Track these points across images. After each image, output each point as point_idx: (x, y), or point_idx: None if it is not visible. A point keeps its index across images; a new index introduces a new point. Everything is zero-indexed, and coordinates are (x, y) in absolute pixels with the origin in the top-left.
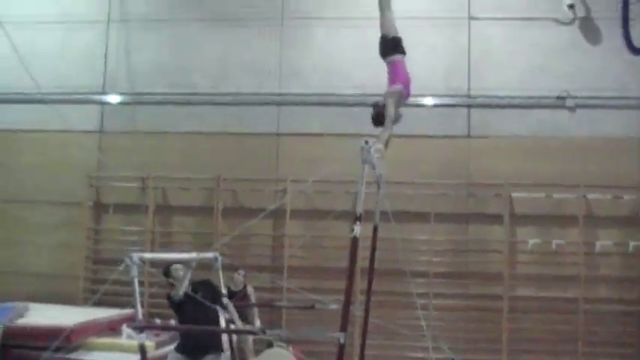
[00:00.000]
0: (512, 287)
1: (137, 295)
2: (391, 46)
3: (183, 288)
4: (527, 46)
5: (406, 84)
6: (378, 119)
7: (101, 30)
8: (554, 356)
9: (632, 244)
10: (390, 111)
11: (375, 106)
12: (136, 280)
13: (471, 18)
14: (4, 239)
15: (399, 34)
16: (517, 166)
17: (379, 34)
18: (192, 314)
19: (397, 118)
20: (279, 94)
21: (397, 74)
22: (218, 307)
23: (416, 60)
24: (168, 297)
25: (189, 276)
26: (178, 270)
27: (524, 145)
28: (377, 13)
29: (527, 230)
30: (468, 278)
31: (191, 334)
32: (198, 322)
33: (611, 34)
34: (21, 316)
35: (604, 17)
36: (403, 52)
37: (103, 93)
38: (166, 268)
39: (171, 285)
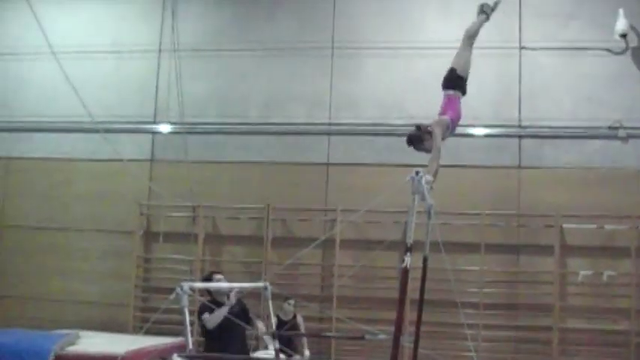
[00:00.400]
0: (563, 319)
1: (187, 323)
2: (454, 83)
3: (217, 319)
4: (579, 76)
5: (455, 120)
6: (413, 140)
7: (153, 59)
8: None
9: None
10: (438, 141)
11: (417, 127)
12: (186, 309)
13: (522, 48)
14: (56, 267)
15: (468, 73)
16: (568, 196)
17: (449, 64)
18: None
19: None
20: (330, 124)
21: (451, 107)
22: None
23: (467, 90)
24: (200, 313)
25: (230, 304)
26: (221, 280)
27: (576, 175)
28: (428, 44)
29: (578, 261)
30: (518, 309)
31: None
32: (226, 338)
33: None
34: (72, 344)
35: None
36: (463, 92)
37: (155, 122)
38: (209, 274)
39: (209, 294)
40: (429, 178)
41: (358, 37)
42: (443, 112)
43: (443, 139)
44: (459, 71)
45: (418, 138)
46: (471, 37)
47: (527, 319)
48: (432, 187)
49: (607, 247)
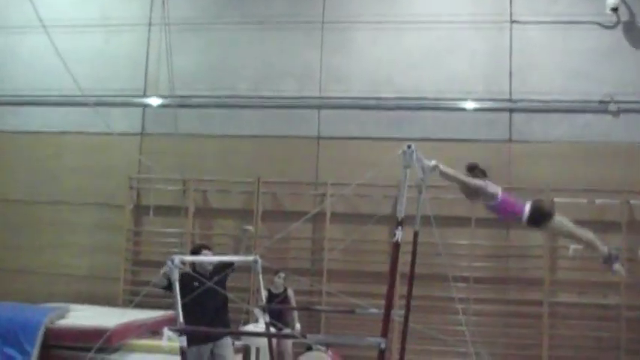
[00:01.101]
0: (553, 293)
1: (178, 297)
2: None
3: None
4: (570, 50)
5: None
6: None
7: (142, 33)
8: None
9: None
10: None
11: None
12: (177, 283)
13: (512, 21)
14: (46, 241)
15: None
16: (559, 171)
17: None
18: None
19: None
20: (320, 98)
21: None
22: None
23: (457, 63)
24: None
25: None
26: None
27: (566, 149)
28: (417, 18)
29: None
30: (508, 283)
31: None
32: (203, 301)
33: None
34: (62, 317)
35: None
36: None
37: (144, 96)
38: (198, 247)
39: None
40: (435, 162)
41: (348, 11)
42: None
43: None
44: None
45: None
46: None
47: (517, 293)
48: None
49: (597, 222)
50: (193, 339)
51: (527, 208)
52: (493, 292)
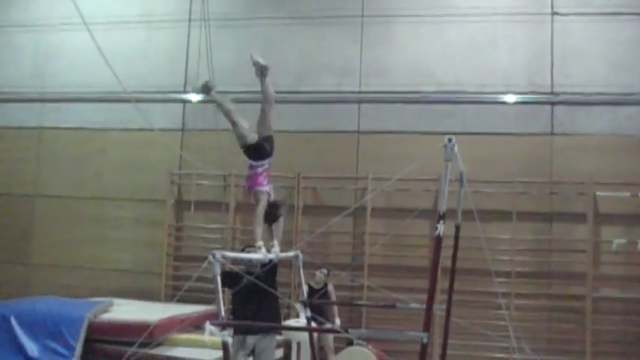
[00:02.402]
0: (596, 287)
1: (220, 292)
2: None
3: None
4: (612, 42)
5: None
6: None
7: (182, 29)
8: (638, 359)
9: None
10: None
11: None
12: (218, 278)
13: (554, 13)
14: (89, 236)
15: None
16: (601, 164)
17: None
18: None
19: None
20: (360, 92)
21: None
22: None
23: (498, 56)
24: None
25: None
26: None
27: (609, 142)
28: (458, 10)
29: (611, 229)
30: (550, 278)
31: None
32: (240, 302)
33: None
34: (105, 311)
35: None
36: None
37: (185, 92)
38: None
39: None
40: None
41: (388, 4)
42: None
43: None
44: None
45: None
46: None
47: (560, 288)
48: None
49: None
50: (239, 328)
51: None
52: (535, 286)
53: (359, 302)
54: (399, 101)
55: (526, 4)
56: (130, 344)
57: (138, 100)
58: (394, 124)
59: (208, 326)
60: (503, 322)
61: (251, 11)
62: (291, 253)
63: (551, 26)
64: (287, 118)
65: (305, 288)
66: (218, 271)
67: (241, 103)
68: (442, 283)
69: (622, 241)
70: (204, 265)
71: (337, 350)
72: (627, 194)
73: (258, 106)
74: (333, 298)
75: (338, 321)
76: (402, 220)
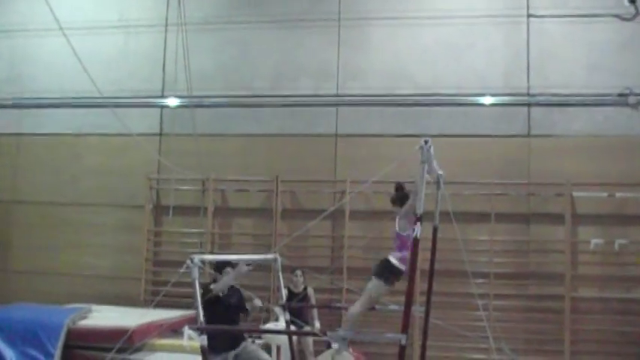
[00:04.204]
0: (574, 288)
1: (198, 296)
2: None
3: (224, 286)
4: (588, 43)
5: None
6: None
7: (160, 34)
8: (617, 358)
9: None
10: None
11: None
12: (197, 282)
13: (529, 15)
14: (67, 242)
15: None
16: (578, 164)
17: None
18: (218, 315)
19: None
20: (338, 95)
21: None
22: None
23: (475, 58)
24: (207, 289)
25: (232, 278)
26: (229, 273)
27: (586, 143)
28: (434, 13)
29: (589, 230)
30: (528, 279)
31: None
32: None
33: None
34: (84, 317)
35: None
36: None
37: (162, 96)
38: (221, 264)
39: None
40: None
41: (365, 7)
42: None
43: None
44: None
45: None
46: None
47: (538, 288)
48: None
49: (618, 215)
50: (217, 347)
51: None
52: (514, 287)
53: (338, 305)
54: (377, 104)
55: (502, 6)
56: (110, 350)
57: (115, 105)
58: (372, 126)
59: (187, 331)
60: (482, 323)
61: (228, 15)
62: (269, 256)
63: (527, 28)
64: (265, 121)
65: (284, 291)
66: (196, 275)
67: (220, 107)
68: (421, 285)
69: (600, 241)
70: (182, 269)
71: (317, 354)
72: (604, 195)
73: (235, 110)
74: (313, 301)
75: (318, 324)
76: (380, 223)
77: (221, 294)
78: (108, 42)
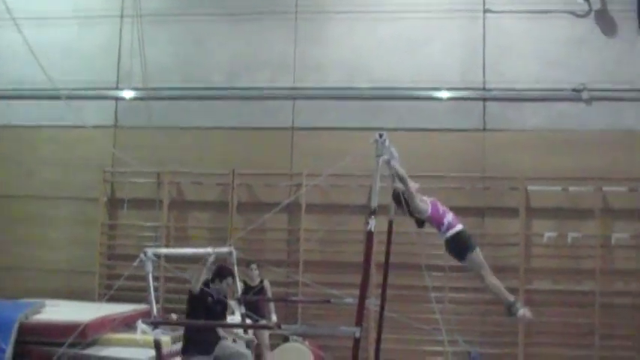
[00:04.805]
0: (528, 280)
1: (152, 290)
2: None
3: (199, 283)
4: (543, 39)
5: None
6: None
7: (115, 25)
8: (570, 349)
9: None
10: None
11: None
12: (150, 276)
13: (486, 10)
14: (20, 236)
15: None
16: (533, 159)
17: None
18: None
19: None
20: (294, 88)
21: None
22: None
23: (431, 52)
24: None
25: (204, 273)
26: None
27: (540, 138)
28: (392, 7)
29: (543, 223)
30: None
31: (198, 332)
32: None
33: (627, 26)
34: (37, 312)
35: (619, 9)
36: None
37: (118, 88)
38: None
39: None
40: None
41: (322, 1)
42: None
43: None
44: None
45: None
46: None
47: None
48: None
49: (571, 209)
50: (198, 349)
51: (453, 231)
52: (469, 280)
53: (294, 298)
54: (334, 97)
55: (459, 1)
56: (63, 345)
57: (70, 97)
58: (329, 120)
59: (140, 325)
60: (436, 316)
61: (184, 7)
62: (225, 250)
63: (484, 23)
64: (221, 114)
65: (240, 285)
66: (150, 268)
67: (176, 99)
68: (377, 278)
69: (553, 234)
70: (136, 262)
71: (274, 347)
72: (558, 188)
73: (191, 102)
74: (269, 294)
75: (274, 318)
76: (337, 216)
77: (211, 299)
78: (62, 33)
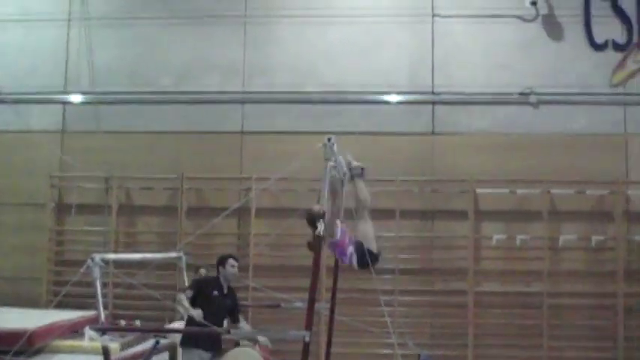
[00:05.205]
0: (478, 282)
1: (99, 296)
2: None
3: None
4: (491, 43)
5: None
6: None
7: (62, 29)
8: (519, 350)
9: (594, 238)
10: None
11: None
12: (98, 282)
13: (434, 15)
14: None
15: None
16: (481, 162)
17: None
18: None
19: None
20: (243, 92)
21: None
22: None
23: (380, 57)
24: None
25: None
26: (234, 266)
27: (488, 141)
28: (340, 12)
29: (491, 226)
30: (433, 274)
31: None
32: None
33: (574, 30)
34: None
35: (566, 14)
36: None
37: (65, 92)
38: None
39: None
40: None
41: (270, 4)
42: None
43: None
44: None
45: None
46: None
47: (442, 284)
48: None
49: (519, 212)
50: (198, 343)
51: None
52: (419, 283)
53: (244, 303)
54: (283, 101)
55: (407, 5)
56: (8, 353)
57: (15, 101)
58: (278, 124)
59: (88, 331)
60: (385, 319)
61: (132, 10)
62: (173, 254)
63: (432, 27)
64: (170, 118)
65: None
66: (98, 274)
67: (124, 103)
68: (328, 282)
69: (502, 236)
70: (83, 268)
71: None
72: (506, 191)
73: (140, 106)
74: None
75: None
76: (286, 220)
77: (217, 292)
78: (8, 36)
